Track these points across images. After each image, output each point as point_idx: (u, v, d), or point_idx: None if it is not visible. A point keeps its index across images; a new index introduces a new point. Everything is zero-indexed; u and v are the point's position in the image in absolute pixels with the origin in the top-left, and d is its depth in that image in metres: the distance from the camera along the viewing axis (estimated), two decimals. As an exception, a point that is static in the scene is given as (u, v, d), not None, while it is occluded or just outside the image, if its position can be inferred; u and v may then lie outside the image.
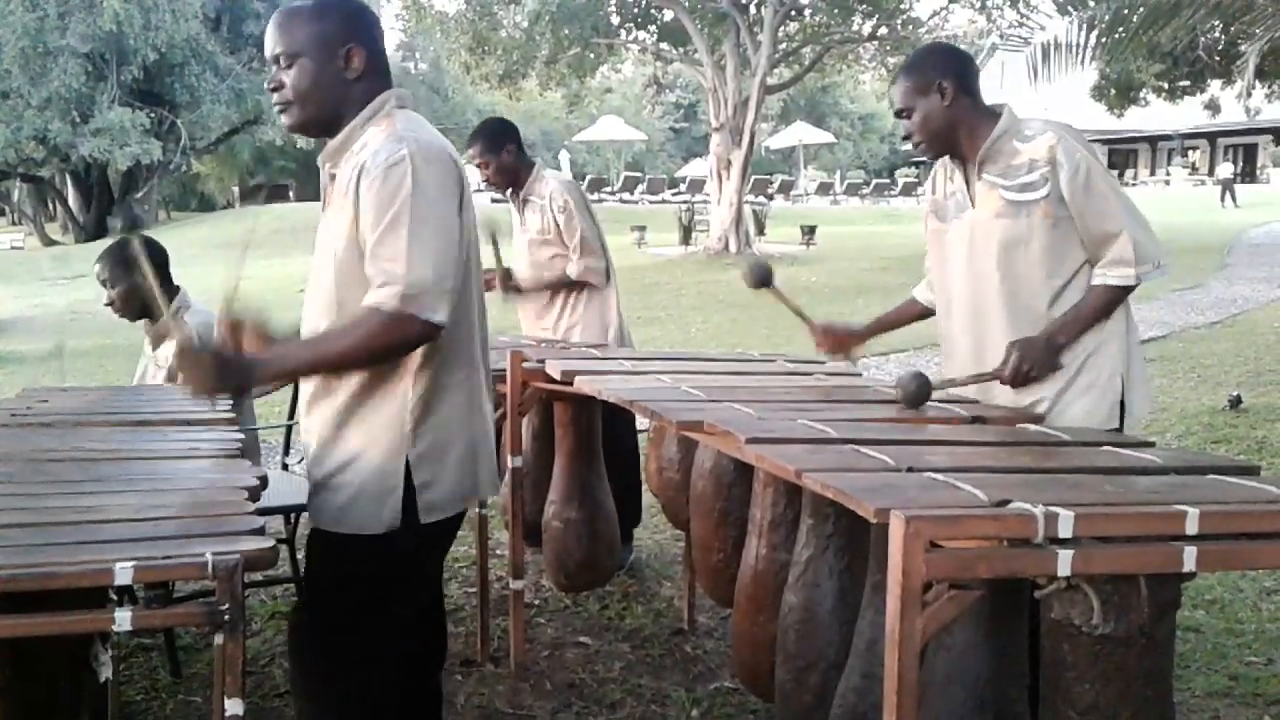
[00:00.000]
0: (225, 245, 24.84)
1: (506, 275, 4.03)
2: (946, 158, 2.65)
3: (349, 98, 2.02)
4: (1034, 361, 2.43)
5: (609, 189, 31.60)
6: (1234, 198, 28.97)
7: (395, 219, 1.90)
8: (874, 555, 1.98)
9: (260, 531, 1.53)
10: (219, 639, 1.39)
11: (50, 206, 38.08)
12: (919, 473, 1.75)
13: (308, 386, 2.08)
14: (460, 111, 39.79)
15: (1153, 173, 43.58)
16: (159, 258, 3.43)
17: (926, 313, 2.90)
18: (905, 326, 3.04)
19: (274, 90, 2.02)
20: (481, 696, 3.15)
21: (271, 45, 2.01)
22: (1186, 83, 20.17)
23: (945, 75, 2.52)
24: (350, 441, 2.02)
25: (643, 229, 20.46)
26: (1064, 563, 1.49)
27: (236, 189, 37.99)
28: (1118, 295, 2.48)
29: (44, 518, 1.56)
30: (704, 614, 3.68)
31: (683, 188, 31.23)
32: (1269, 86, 20.39)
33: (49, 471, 1.87)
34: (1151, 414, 6.82)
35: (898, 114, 2.62)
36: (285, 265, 20.14)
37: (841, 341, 2.96)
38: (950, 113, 2.53)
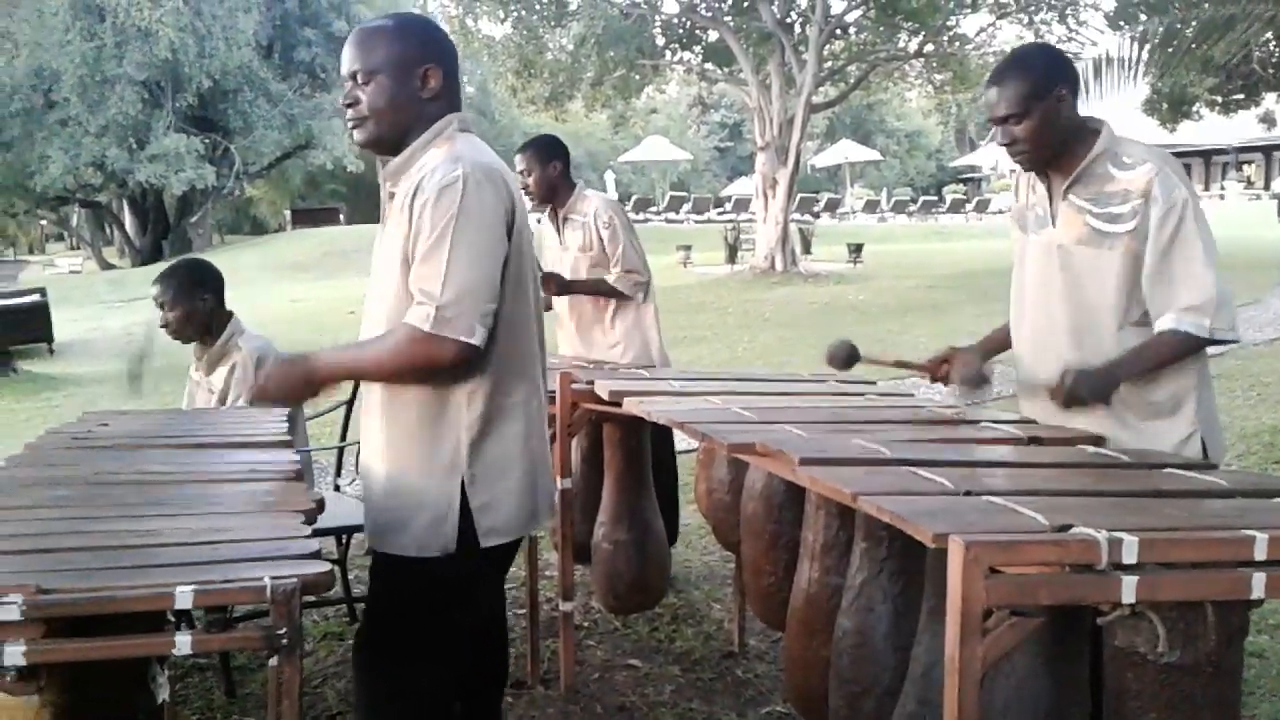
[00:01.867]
0: (277, 268, 25.28)
1: (549, 278, 4.00)
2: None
3: (421, 117, 2.05)
4: (1089, 387, 2.30)
5: (654, 209, 31.68)
6: (1292, 211, 28.40)
7: (440, 239, 1.93)
8: (930, 580, 1.95)
9: (317, 555, 1.54)
10: (275, 662, 1.40)
11: (107, 231, 38.89)
12: (977, 496, 1.72)
13: (367, 408, 2.12)
14: (508, 134, 40.12)
15: (1207, 187, 42.83)
16: (215, 280, 3.49)
17: None
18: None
19: (349, 105, 2.06)
20: (532, 719, 3.14)
21: (350, 62, 2.04)
22: (1240, 96, 19.84)
23: (1065, 81, 2.34)
24: (407, 464, 2.04)
25: (688, 248, 20.47)
26: (1128, 589, 1.45)
27: (289, 213, 38.55)
28: (1188, 344, 2.31)
29: (104, 541, 1.58)
30: (755, 636, 3.65)
31: (728, 207, 31.23)
32: (1326, 98, 20.02)
33: (109, 494, 1.90)
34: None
35: (1002, 120, 2.36)
36: (336, 288, 20.42)
37: (948, 368, 2.66)
38: (1066, 123, 2.33)
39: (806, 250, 20.32)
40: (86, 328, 17.12)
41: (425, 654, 2.09)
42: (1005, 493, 1.74)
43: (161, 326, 3.41)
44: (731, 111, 42.97)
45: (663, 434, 3.65)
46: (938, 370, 2.67)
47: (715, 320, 13.59)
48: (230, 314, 3.48)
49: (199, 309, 3.39)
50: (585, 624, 3.84)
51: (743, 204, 29.76)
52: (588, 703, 3.25)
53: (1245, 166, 41.76)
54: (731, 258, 19.84)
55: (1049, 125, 2.33)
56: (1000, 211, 33.91)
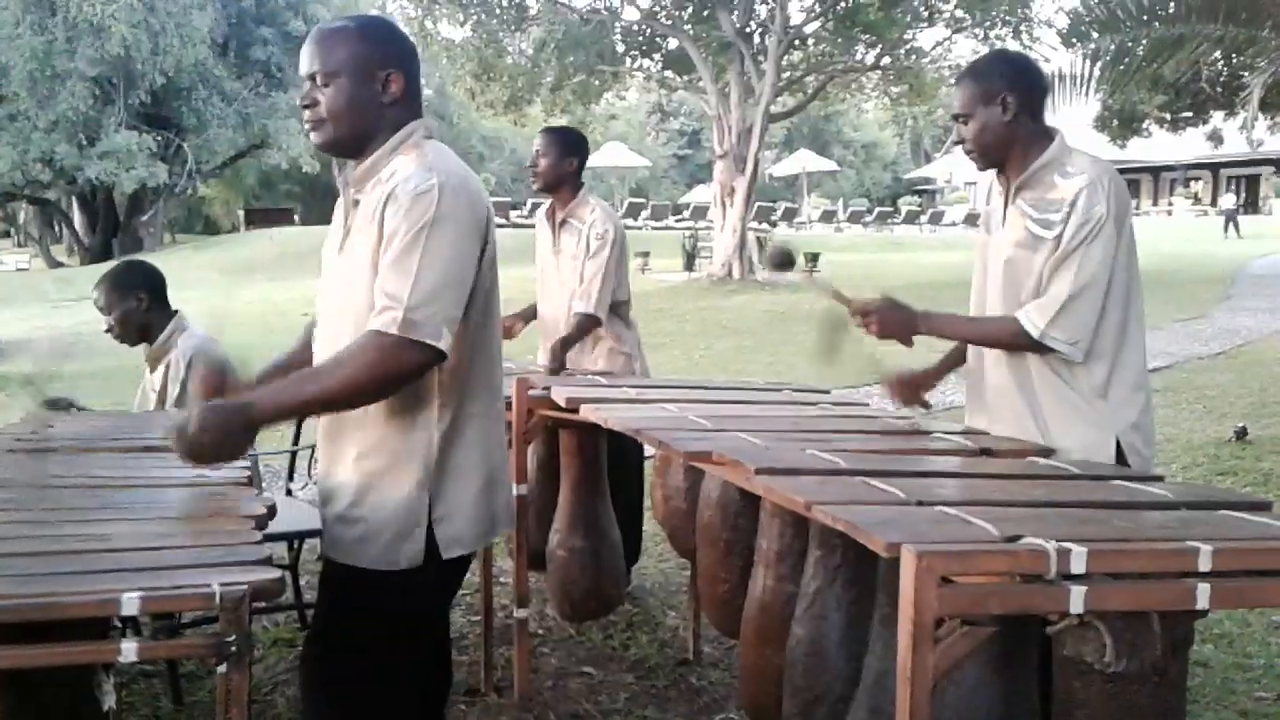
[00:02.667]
0: (230, 269, 24.97)
1: (553, 362, 3.85)
2: (995, 171, 2.57)
3: (382, 122, 2.00)
4: (886, 320, 2.53)
5: (613, 215, 31.66)
6: (1237, 228, 29.03)
7: (411, 245, 1.89)
8: (882, 588, 1.96)
9: (267, 561, 1.52)
10: (224, 670, 1.38)
11: (56, 228, 38.23)
12: (929, 506, 1.74)
13: (332, 419, 2.06)
14: (465, 137, 40.03)
15: (1155, 203, 43.69)
16: (151, 280, 3.45)
17: None
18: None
19: (307, 107, 2.01)
20: (484, 727, 3.13)
21: (309, 62, 2.00)
22: (1189, 114, 20.20)
23: (1012, 88, 2.43)
24: (373, 474, 2.00)
25: (646, 255, 20.52)
26: (1077, 599, 1.48)
27: (242, 213, 38.13)
28: (1018, 335, 2.40)
29: (49, 546, 1.55)
30: (709, 644, 3.65)
31: (686, 214, 31.34)
32: (1271, 118, 20.44)
33: (55, 499, 1.86)
34: (1157, 445, 6.81)
35: (954, 117, 2.53)
36: (290, 289, 20.21)
37: (914, 389, 2.81)
38: (1008, 128, 2.44)
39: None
40: (32, 326, 16.80)
41: (378, 665, 2.06)
42: (957, 503, 1.76)
43: (106, 331, 3.37)
44: (690, 119, 43.17)
45: (630, 444, 3.63)
46: (894, 389, 2.83)
47: (673, 327, 13.62)
48: (174, 313, 3.43)
49: (135, 309, 3.36)
50: (540, 631, 3.82)
51: (701, 211, 29.87)
52: (541, 710, 3.24)
53: (1193, 183, 42.61)
54: (689, 265, 19.94)
55: (990, 128, 2.45)
56: (954, 224, 34.33)
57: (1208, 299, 15.77)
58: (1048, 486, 2.01)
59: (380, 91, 1.99)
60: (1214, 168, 40.81)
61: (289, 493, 4.12)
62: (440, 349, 1.89)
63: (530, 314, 4.23)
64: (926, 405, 2.85)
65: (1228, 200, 32.17)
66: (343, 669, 2.07)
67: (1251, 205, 38.89)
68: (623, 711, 3.24)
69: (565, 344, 3.90)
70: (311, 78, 1.99)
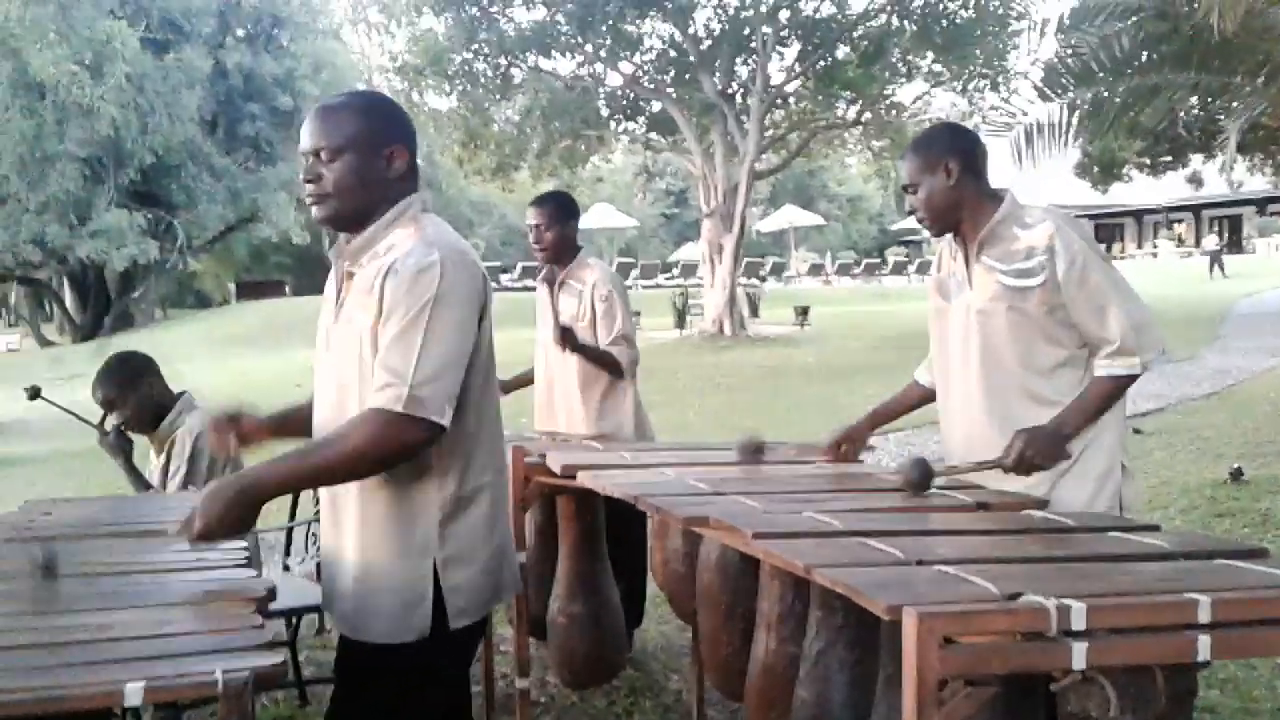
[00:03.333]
0: (222, 341, 24.99)
1: (566, 332, 3.90)
2: (951, 237, 2.67)
3: (385, 197, 2.04)
4: (1039, 450, 2.41)
5: (603, 275, 31.82)
6: (1222, 268, 29.29)
7: (415, 321, 1.92)
8: (885, 648, 1.96)
9: (270, 646, 1.52)
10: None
11: (47, 308, 38.29)
12: (928, 566, 1.74)
13: (333, 494, 2.07)
14: (455, 204, 40.31)
15: (1140, 245, 44.10)
16: (151, 365, 3.48)
17: (928, 396, 2.89)
18: (910, 412, 3.02)
19: (310, 181, 2.03)
20: (490, 801, 3.09)
21: (313, 139, 2.02)
22: (1168, 158, 20.54)
23: (952, 155, 2.57)
24: (380, 549, 2.01)
25: (637, 314, 20.40)
26: (1078, 655, 1.48)
27: (233, 286, 38.27)
28: (1123, 385, 2.49)
29: (51, 637, 1.54)
30: (713, 707, 3.61)
31: (675, 272, 31.55)
32: (1250, 159, 20.77)
33: (55, 587, 1.85)
34: (1153, 487, 6.81)
35: (904, 189, 2.67)
36: (282, 360, 20.20)
37: (848, 444, 2.92)
38: (953, 192, 2.57)
39: (754, 314, 20.56)
40: (25, 407, 16.72)
41: None
42: (955, 561, 1.77)
43: (118, 426, 3.37)
44: (677, 179, 43.60)
45: (630, 507, 3.62)
46: (837, 453, 2.92)
47: (665, 384, 13.63)
48: (180, 394, 3.45)
49: (149, 396, 3.38)
50: (541, 699, 3.78)
51: (690, 269, 30.08)
52: (545, 782, 3.20)
53: (1176, 225, 43.05)
54: (680, 322, 20.00)
55: (937, 194, 2.58)
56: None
57: (1197, 339, 15.88)
58: (1044, 541, 2.02)
59: (385, 167, 2.03)
60: (1196, 209, 41.28)
61: (286, 568, 4.10)
62: (442, 424, 1.92)
63: (527, 378, 4.22)
64: (869, 448, 3.01)
65: (1211, 241, 32.50)
66: None
67: (1235, 245, 39.27)
68: (628, 780, 3.20)
69: (578, 345, 3.90)
70: (316, 153, 2.02)
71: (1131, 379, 2.49)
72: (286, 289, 37.56)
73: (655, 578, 3.38)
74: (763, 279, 30.04)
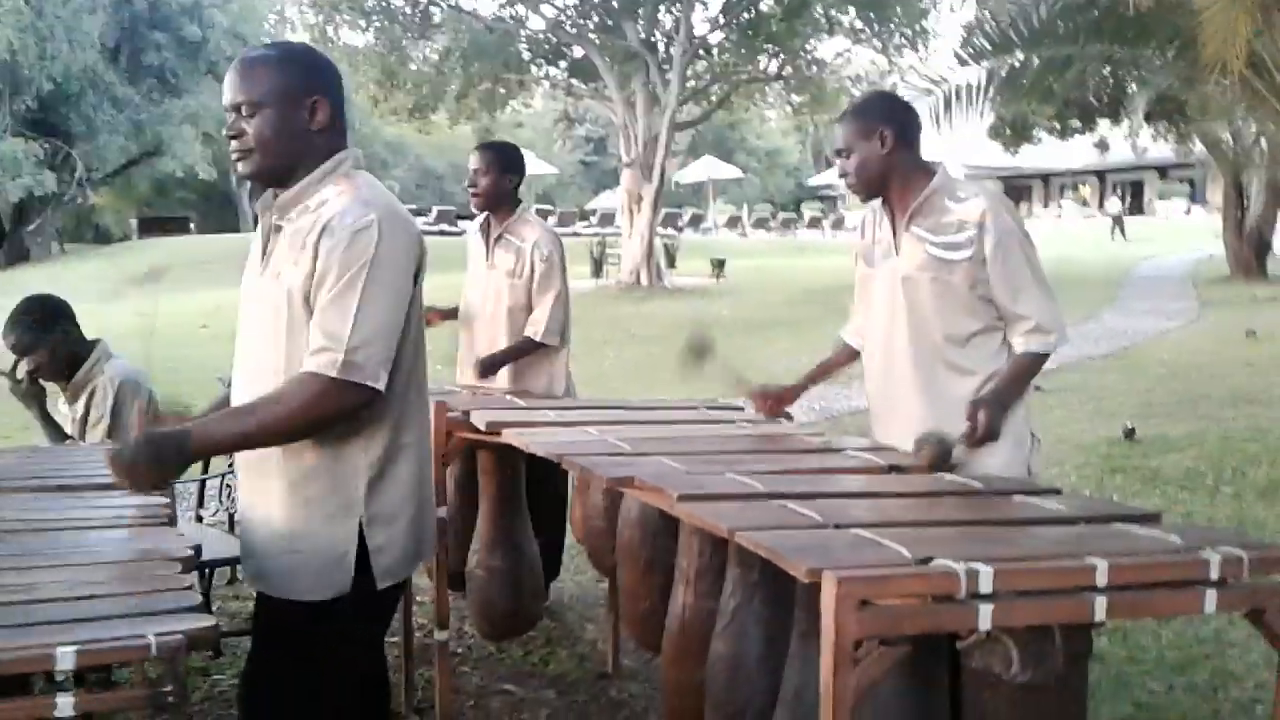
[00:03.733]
0: (122, 281, 24.21)
1: (481, 365, 3.90)
2: (878, 204, 2.73)
3: (309, 149, 2.01)
4: (994, 420, 2.49)
5: (520, 222, 31.53)
6: (1123, 231, 30.22)
7: (350, 284, 1.92)
8: (800, 604, 2.04)
9: (200, 608, 1.52)
10: None
11: (-65, 239, 36.65)
12: (845, 529, 1.82)
13: (255, 454, 2.05)
14: (368, 143, 39.39)
15: (1045, 206, 45.19)
16: (66, 311, 3.37)
17: (855, 355, 2.95)
18: (838, 371, 3.08)
19: (233, 137, 2.01)
20: (408, 749, 3.13)
21: (233, 93, 1.99)
22: (1077, 123, 21.03)
23: (888, 123, 2.60)
24: (300, 507, 2.01)
25: (555, 263, 20.46)
26: (985, 617, 1.56)
27: (135, 221, 36.98)
28: (1040, 361, 2.61)
29: (-26, 597, 1.53)
30: (628, 656, 3.70)
31: (594, 220, 31.39)
32: (1155, 127, 21.38)
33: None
34: (1051, 445, 7.09)
35: (837, 152, 2.71)
36: (188, 300, 19.69)
37: (777, 402, 3.00)
38: (887, 160, 2.61)
39: (671, 265, 20.62)
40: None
41: (312, 695, 2.06)
42: (870, 525, 1.84)
43: (30, 373, 3.27)
44: (597, 126, 43.21)
45: (553, 465, 3.65)
46: (758, 402, 2.99)
47: (581, 335, 13.52)
48: (95, 341, 3.37)
49: (64, 343, 3.28)
50: (459, 650, 3.82)
51: (608, 218, 29.96)
52: (464, 730, 3.26)
53: (1081, 187, 44.17)
54: (597, 272, 19.98)
55: (870, 161, 2.62)
56: (855, 228, 35.06)
57: (1097, 301, 16.40)
58: (954, 504, 2.11)
59: (307, 119, 2.00)
60: (1101, 173, 42.38)
61: (199, 519, 4.05)
62: (378, 389, 1.93)
63: (452, 313, 4.18)
64: (789, 417, 3.08)
65: (1114, 204, 33.46)
66: (281, 702, 2.07)
67: (1137, 208, 40.49)
68: (545, 728, 3.27)
69: (499, 362, 3.91)
70: (236, 108, 1.99)
71: (1046, 356, 2.61)
72: (191, 226, 36.42)
73: (575, 532, 3.44)
74: (680, 229, 30.11)
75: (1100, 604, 1.61)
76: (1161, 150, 26.20)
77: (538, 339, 3.92)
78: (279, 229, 2.04)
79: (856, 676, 1.54)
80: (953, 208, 2.58)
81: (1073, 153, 29.71)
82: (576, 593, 4.44)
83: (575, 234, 29.81)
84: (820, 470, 2.39)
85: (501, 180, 3.94)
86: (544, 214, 31.95)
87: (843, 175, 2.71)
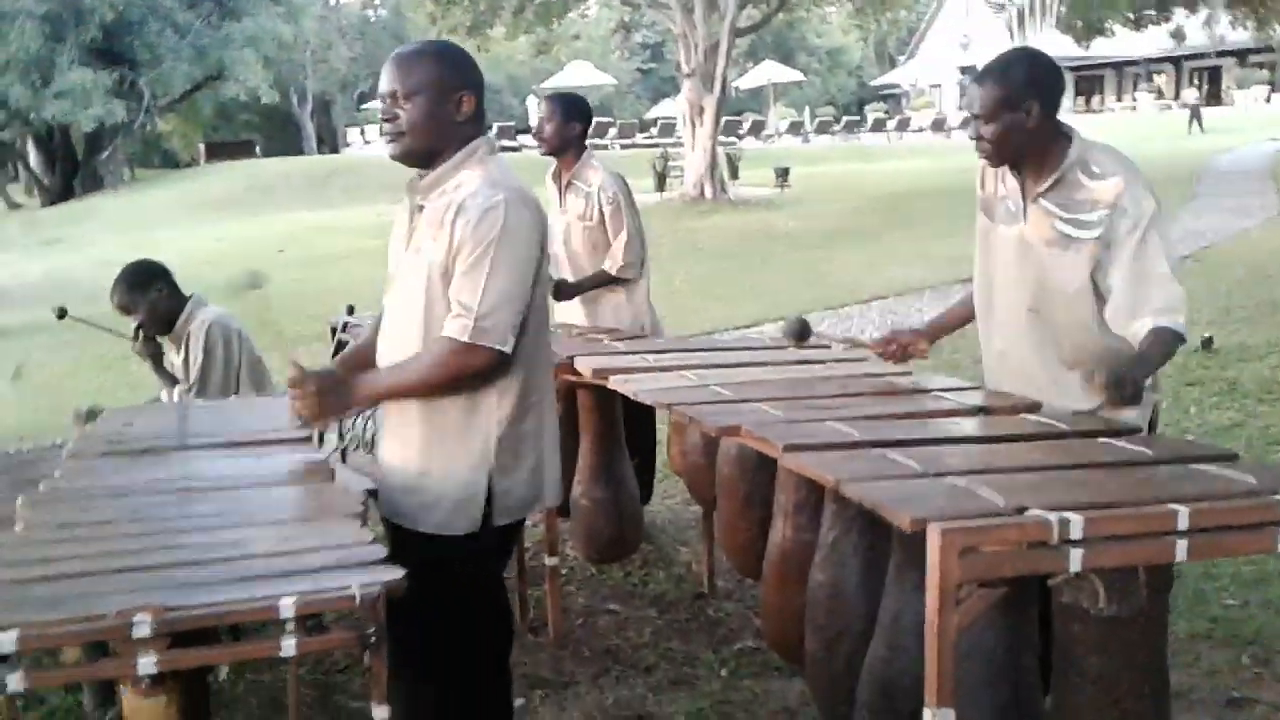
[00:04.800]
0: (197, 206, 24.71)
1: (556, 288, 4.13)
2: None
3: (453, 138, 2.25)
4: (1132, 388, 2.34)
5: (580, 135, 31.43)
6: (1200, 123, 29.23)
7: (480, 257, 2.16)
8: (896, 538, 2.22)
9: (388, 560, 1.76)
10: (366, 657, 1.65)
11: (11, 169, 37.53)
12: (942, 478, 1.99)
13: (399, 406, 2.31)
14: (424, 59, 39.26)
15: (1119, 99, 43.79)
16: (161, 272, 3.71)
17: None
18: (965, 322, 2.96)
19: (387, 120, 2.24)
20: (525, 665, 3.40)
21: (389, 81, 2.23)
22: (1152, 11, 20.36)
23: (1037, 94, 2.46)
24: (438, 454, 2.26)
25: (620, 178, 20.41)
26: (1075, 560, 1.74)
27: (202, 146, 37.52)
28: (1178, 340, 2.46)
29: (195, 555, 1.77)
30: (722, 578, 3.94)
31: (654, 131, 31.14)
32: (1233, 13, 20.61)
33: (172, 506, 2.07)
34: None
35: (973, 115, 2.54)
36: (261, 225, 20.11)
37: (902, 350, 2.93)
38: (1031, 134, 2.48)
39: (734, 175, 20.50)
40: (6, 274, 16.54)
41: (444, 622, 2.31)
42: (964, 472, 2.02)
43: (136, 330, 3.63)
44: (653, 32, 42.56)
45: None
46: (886, 350, 2.96)
47: (650, 253, 13.73)
48: (189, 297, 3.71)
49: (159, 300, 3.63)
50: (563, 571, 4.09)
51: (668, 128, 29.72)
52: (575, 648, 3.53)
53: (1156, 78, 42.66)
54: (660, 186, 19.94)
55: (1013, 133, 2.47)
56: (921, 129, 34.38)
57: (1174, 199, 15.94)
58: (1041, 448, 2.27)
59: (454, 111, 2.24)
60: (1176, 61, 40.86)
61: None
62: (505, 352, 2.17)
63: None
64: (925, 356, 2.99)
65: (1191, 95, 32.34)
66: (410, 627, 2.33)
67: (1214, 97, 39.08)
68: (649, 645, 3.53)
69: (575, 289, 4.19)
70: (392, 95, 2.23)
71: (1184, 338, 2.47)
72: (256, 149, 36.89)
73: (673, 465, 3.66)
74: (740, 138, 29.79)
75: (1181, 546, 1.78)
76: (1240, 35, 25.26)
77: (613, 273, 4.17)
78: (421, 209, 2.28)
79: (958, 616, 1.73)
80: (1087, 184, 2.47)
81: (1147, 40, 28.73)
82: (669, 516, 4.69)
83: (635, 145, 29.68)
84: (912, 414, 2.56)
85: (565, 128, 4.13)
86: (603, 127, 31.83)
87: (976, 138, 2.55)
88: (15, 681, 1.47)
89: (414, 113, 2.21)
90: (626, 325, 4.18)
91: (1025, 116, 2.46)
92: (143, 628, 1.49)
